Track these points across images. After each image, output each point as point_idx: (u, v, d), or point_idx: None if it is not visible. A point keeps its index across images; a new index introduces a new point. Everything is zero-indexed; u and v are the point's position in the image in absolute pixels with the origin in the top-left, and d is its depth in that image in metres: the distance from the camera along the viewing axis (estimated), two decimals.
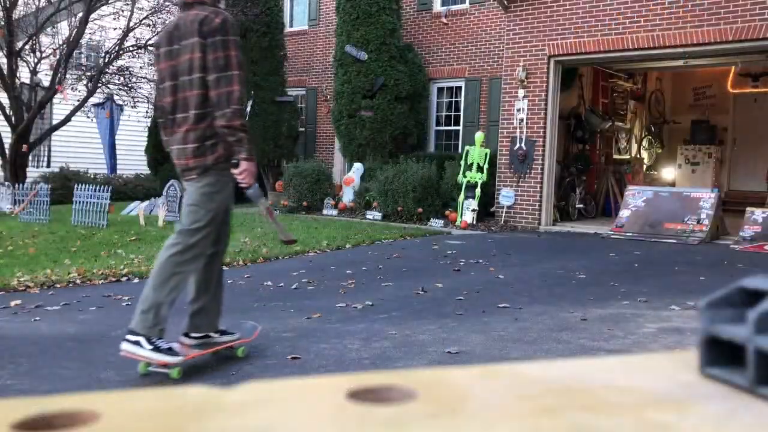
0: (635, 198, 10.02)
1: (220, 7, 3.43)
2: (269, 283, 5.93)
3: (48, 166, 14.06)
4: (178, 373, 3.27)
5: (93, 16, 12.85)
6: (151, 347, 3.19)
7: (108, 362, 3.56)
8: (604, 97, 12.65)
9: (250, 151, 3.33)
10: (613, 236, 9.49)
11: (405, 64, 12.86)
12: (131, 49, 13.46)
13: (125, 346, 3.23)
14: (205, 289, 3.52)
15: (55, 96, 12.83)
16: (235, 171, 3.34)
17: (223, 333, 3.60)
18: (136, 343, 3.19)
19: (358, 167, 12.43)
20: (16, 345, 3.90)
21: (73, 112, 12.99)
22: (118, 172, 15.24)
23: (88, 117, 14.30)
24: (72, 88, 13.22)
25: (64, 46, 12.81)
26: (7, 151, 12.48)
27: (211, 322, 3.55)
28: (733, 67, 13.00)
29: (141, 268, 6.46)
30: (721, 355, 0.48)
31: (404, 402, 0.42)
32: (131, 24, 13.07)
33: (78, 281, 5.97)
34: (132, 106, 14.19)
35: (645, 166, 14.35)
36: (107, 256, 7.23)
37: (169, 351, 3.25)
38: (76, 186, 10.03)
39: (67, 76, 12.98)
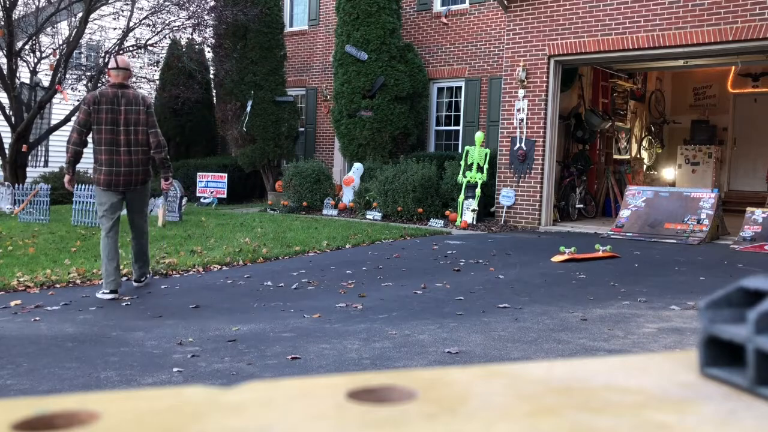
0: (635, 198, 10.02)
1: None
2: (269, 283, 5.94)
3: (45, 165, 14.03)
4: None
5: (93, 16, 12.84)
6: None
7: (108, 362, 3.56)
8: (604, 97, 12.65)
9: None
10: (613, 236, 9.49)
11: (405, 64, 12.85)
12: (131, 49, 13.45)
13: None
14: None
15: (55, 96, 12.83)
16: (166, 183, 5.79)
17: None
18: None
19: (357, 167, 12.42)
20: (16, 345, 3.90)
21: (72, 112, 12.97)
22: None
23: None
24: (72, 88, 13.21)
25: (64, 46, 12.81)
26: (7, 151, 12.48)
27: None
28: (733, 67, 13.01)
29: None
30: (721, 355, 0.48)
31: (404, 402, 0.42)
32: (131, 24, 13.06)
33: (78, 281, 5.97)
34: None
35: (645, 166, 14.35)
36: None
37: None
38: (76, 186, 10.01)
39: (67, 76, 12.97)
